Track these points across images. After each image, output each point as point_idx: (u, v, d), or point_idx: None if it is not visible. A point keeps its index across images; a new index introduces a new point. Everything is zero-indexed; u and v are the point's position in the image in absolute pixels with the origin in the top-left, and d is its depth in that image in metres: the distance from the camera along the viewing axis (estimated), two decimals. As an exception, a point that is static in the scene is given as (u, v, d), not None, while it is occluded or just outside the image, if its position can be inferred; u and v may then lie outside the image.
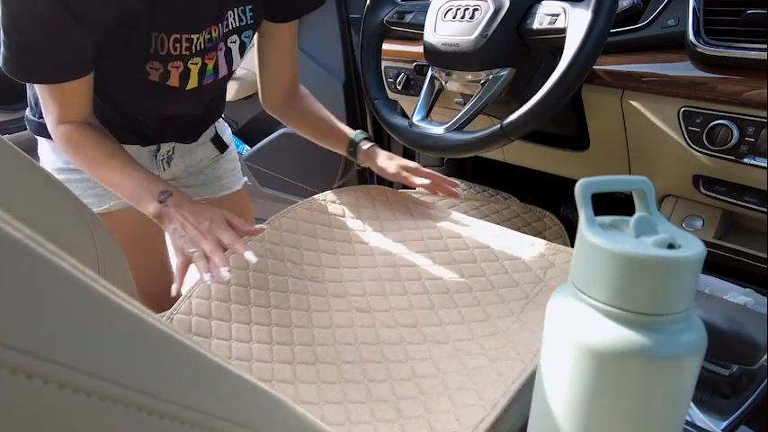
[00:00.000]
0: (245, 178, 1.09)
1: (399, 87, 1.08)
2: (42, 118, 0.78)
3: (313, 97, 0.92)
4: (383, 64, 0.93)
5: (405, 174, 0.83)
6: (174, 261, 0.69)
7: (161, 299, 0.89)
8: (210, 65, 0.77)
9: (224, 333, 0.69)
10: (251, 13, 0.78)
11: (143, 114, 0.80)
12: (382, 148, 0.90)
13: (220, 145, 0.99)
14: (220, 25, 0.75)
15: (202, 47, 0.74)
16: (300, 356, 0.65)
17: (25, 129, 0.88)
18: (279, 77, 0.88)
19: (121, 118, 0.81)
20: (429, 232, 0.80)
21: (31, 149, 0.47)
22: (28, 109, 0.86)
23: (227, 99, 0.98)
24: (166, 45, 0.70)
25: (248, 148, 1.58)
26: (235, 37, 0.79)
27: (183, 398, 0.18)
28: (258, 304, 0.73)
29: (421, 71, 1.01)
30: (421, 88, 0.85)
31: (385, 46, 0.94)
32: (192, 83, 0.76)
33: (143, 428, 0.16)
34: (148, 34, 0.69)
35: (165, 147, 0.90)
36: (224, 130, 1.02)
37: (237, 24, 0.78)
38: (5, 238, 0.13)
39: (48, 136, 0.79)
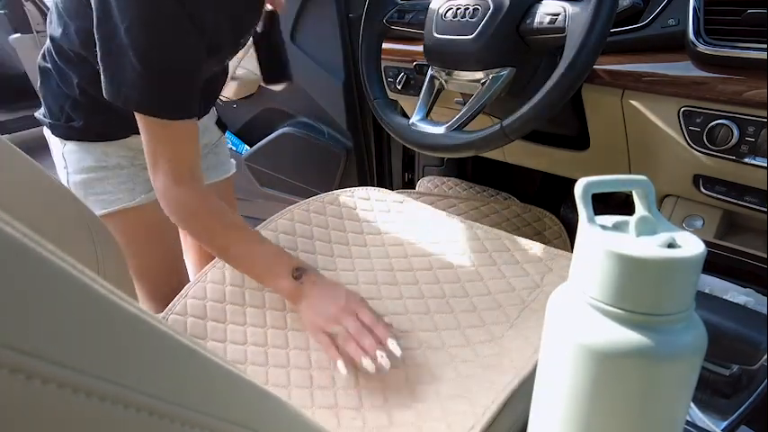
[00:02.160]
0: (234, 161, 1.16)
1: (399, 87, 1.08)
2: (70, 122, 0.83)
3: None
4: (383, 63, 0.93)
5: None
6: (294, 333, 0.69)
7: (177, 283, 0.94)
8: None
9: (219, 335, 0.69)
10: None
11: None
12: (382, 148, 0.91)
13: (221, 126, 1.08)
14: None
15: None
16: (295, 361, 0.65)
17: (26, 129, 0.90)
18: None
19: None
20: (427, 235, 0.80)
21: (31, 150, 0.47)
22: (43, 114, 0.88)
23: (227, 98, 1.01)
24: (230, 57, 0.85)
25: (248, 147, 1.58)
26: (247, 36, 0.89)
27: (183, 398, 0.18)
28: (253, 305, 0.72)
29: (421, 71, 1.01)
30: (421, 88, 0.85)
31: (385, 45, 0.94)
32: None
33: (143, 428, 0.16)
34: (227, 53, 0.81)
35: None
36: (214, 112, 1.10)
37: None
38: (5, 238, 0.13)
39: (80, 138, 0.84)
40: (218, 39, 0.73)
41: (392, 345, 0.60)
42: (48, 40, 0.84)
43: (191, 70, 0.68)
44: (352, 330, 0.62)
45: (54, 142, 0.88)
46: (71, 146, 0.86)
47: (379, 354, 0.60)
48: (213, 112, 1.06)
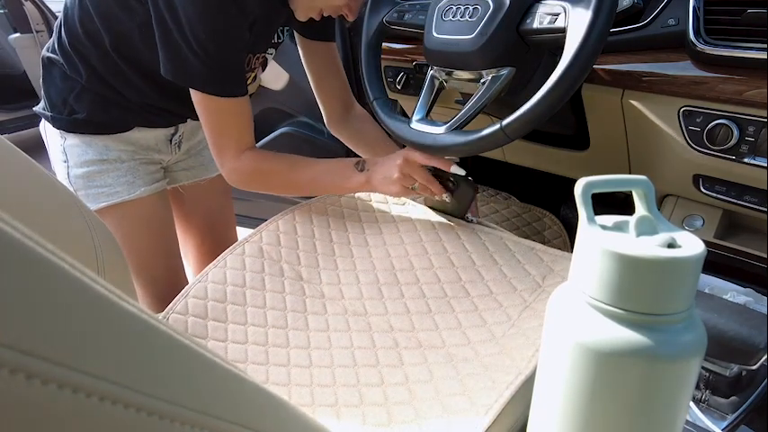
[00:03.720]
0: None
1: (399, 87, 1.08)
2: (73, 114, 0.86)
3: (370, 120, 1.00)
4: (383, 63, 0.93)
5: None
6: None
7: (176, 281, 0.99)
8: (258, 73, 0.92)
9: (220, 334, 0.69)
10: (288, 33, 0.93)
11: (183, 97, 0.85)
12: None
13: None
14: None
15: (260, 61, 0.89)
16: (295, 360, 0.65)
17: (25, 128, 0.91)
18: (329, 95, 0.98)
19: (162, 100, 0.89)
20: (428, 235, 0.80)
21: (30, 149, 0.47)
22: (44, 107, 0.90)
23: None
24: (252, 62, 0.86)
25: (247, 147, 1.57)
26: (272, 50, 0.92)
27: (184, 398, 0.18)
28: (254, 305, 0.72)
29: (420, 70, 1.01)
30: (420, 88, 0.85)
31: (384, 45, 0.94)
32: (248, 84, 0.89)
33: (143, 428, 0.16)
34: (247, 55, 0.82)
35: (180, 129, 0.97)
36: None
37: (277, 41, 0.91)
38: (5, 237, 0.13)
39: (83, 131, 0.86)
40: (254, 33, 0.78)
41: (455, 168, 0.75)
42: (56, 31, 0.86)
43: (240, 52, 0.75)
44: (422, 178, 0.76)
45: (53, 136, 0.89)
46: (72, 139, 0.88)
47: (452, 178, 0.77)
48: None
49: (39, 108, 0.91)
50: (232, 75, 0.76)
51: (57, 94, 0.87)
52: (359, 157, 0.91)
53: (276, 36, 0.89)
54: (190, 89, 0.76)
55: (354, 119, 1.00)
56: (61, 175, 0.89)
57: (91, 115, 0.86)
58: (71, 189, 0.90)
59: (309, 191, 0.84)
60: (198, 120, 1.01)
